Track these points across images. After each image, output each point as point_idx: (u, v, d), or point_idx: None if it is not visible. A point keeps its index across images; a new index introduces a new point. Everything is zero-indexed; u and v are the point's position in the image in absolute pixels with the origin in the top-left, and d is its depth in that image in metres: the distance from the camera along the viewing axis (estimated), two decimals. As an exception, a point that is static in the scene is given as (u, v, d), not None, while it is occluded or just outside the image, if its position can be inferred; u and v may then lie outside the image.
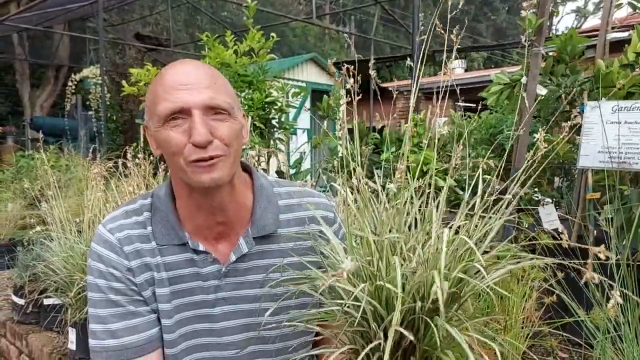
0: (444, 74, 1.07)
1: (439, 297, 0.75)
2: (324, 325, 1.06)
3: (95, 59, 11.15)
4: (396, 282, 0.81)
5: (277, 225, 1.18)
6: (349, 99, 1.09)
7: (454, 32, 1.07)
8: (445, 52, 1.07)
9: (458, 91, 1.10)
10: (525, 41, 1.30)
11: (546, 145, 1.03)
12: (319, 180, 3.19)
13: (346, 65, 1.04)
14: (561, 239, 0.92)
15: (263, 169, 3.04)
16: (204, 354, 1.17)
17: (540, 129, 1.10)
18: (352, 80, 1.06)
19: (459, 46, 1.08)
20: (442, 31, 1.07)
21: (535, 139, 1.01)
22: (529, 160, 1.02)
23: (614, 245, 1.71)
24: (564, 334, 1.77)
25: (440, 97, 1.07)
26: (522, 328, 1.83)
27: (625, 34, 3.45)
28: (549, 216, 2.62)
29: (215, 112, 1.04)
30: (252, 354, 1.19)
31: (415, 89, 1.08)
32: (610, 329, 1.39)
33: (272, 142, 3.15)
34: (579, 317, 1.46)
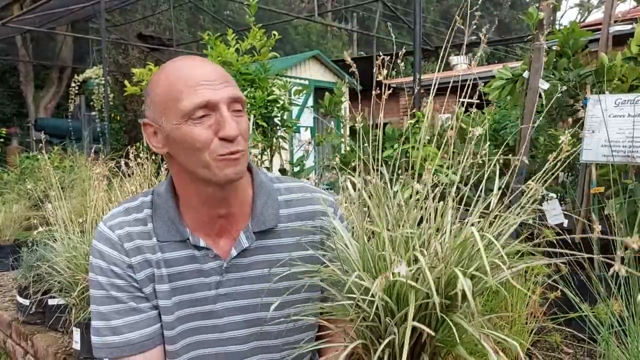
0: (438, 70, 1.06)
1: (467, 293, 0.74)
2: (330, 320, 1.06)
3: (98, 59, 11.16)
4: (412, 276, 0.81)
5: (277, 220, 1.18)
6: (378, 91, 1.09)
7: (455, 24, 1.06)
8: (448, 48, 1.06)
9: (461, 86, 1.10)
10: (508, 37, 1.29)
11: (569, 149, 1.02)
12: (322, 177, 3.18)
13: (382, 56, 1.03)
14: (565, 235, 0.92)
15: (266, 168, 3.03)
16: (206, 350, 1.17)
17: (565, 132, 1.09)
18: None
19: (461, 42, 1.08)
20: (445, 27, 1.06)
21: (536, 137, 1.01)
22: (550, 163, 1.01)
23: (618, 240, 1.69)
24: (569, 329, 1.76)
25: (419, 93, 1.06)
26: (527, 324, 1.83)
27: (628, 27, 3.44)
28: (553, 211, 2.61)
29: (234, 107, 1.06)
30: (255, 349, 1.19)
31: (417, 85, 1.07)
32: (614, 324, 1.38)
33: (274, 140, 3.14)
34: (583, 312, 1.45)
